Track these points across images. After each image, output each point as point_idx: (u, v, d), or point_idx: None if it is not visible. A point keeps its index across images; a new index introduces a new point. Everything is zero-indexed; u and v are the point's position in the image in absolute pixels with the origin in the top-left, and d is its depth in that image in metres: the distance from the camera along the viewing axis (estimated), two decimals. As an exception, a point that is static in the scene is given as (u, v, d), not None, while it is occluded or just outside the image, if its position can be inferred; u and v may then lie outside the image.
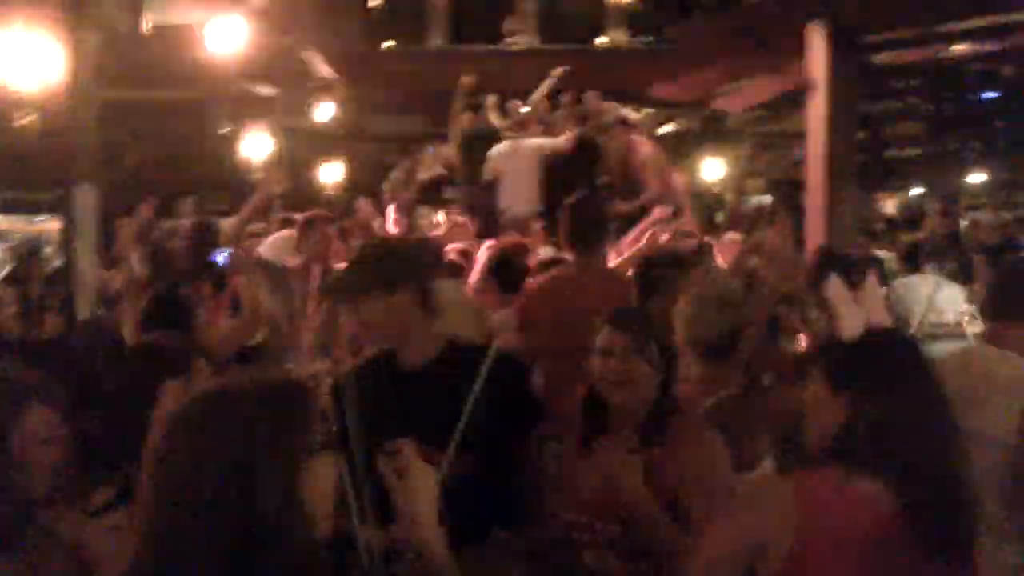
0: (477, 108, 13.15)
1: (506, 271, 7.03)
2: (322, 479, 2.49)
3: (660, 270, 6.10)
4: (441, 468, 3.67)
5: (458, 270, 7.81)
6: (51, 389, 3.35)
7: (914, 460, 3.00)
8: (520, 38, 16.38)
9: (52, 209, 8.03)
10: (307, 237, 8.27)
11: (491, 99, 13.03)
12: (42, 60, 8.16)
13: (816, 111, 9.72)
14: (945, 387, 3.19)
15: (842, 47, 9.57)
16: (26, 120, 8.30)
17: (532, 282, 6.71)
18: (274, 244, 9.06)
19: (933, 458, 3.02)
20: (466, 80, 12.92)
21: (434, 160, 13.55)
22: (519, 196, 11.12)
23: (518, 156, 11.37)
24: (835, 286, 3.95)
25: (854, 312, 3.29)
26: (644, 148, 10.99)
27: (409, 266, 4.21)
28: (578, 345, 5.08)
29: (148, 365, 3.79)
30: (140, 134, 16.57)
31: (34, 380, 3.38)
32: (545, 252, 8.38)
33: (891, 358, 3.20)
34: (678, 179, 10.22)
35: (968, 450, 3.12)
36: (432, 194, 12.91)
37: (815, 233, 9.84)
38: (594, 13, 16.60)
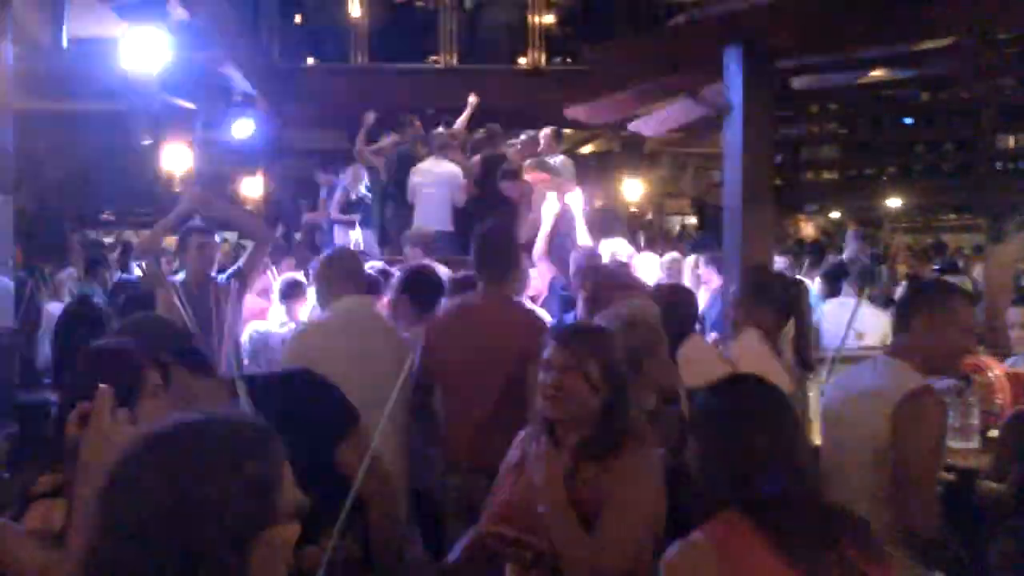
0: (400, 131, 13.33)
1: (419, 289, 7.08)
2: (277, 554, 2.14)
3: (606, 292, 6.22)
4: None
5: (376, 287, 7.85)
6: None
7: (770, 491, 3.03)
8: (440, 58, 16.48)
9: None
10: (185, 251, 8.11)
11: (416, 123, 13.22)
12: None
13: (733, 134, 9.80)
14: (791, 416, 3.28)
15: (758, 71, 9.64)
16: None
17: (441, 308, 6.77)
18: None
19: (790, 486, 3.05)
20: (369, 116, 13.11)
21: (354, 180, 13.61)
22: (432, 217, 11.38)
23: (434, 179, 11.60)
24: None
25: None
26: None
27: None
28: (479, 371, 5.19)
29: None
30: (60, 145, 16.42)
31: None
32: (445, 271, 8.55)
33: (733, 401, 3.28)
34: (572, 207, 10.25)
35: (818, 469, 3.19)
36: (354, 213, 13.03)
37: (732, 255, 9.92)
38: (514, 35, 16.66)
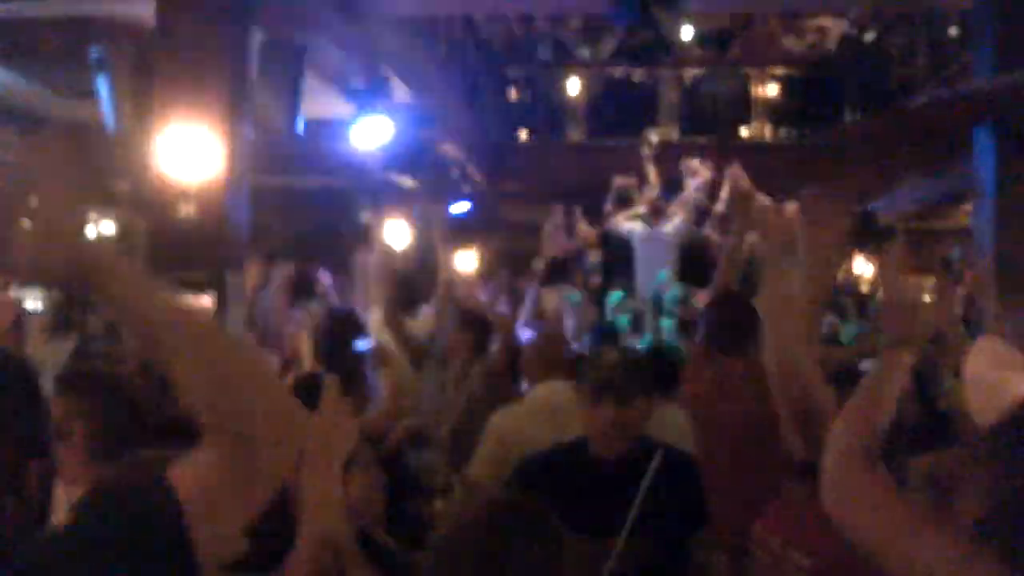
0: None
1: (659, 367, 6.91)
2: None
3: None
4: (612, 554, 3.87)
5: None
6: None
7: None
8: (660, 130, 16.31)
9: (206, 288, 8.22)
10: None
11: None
12: (201, 154, 8.33)
13: (984, 214, 9.53)
14: None
15: (1009, 148, 9.36)
16: (184, 210, 8.50)
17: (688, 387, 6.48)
18: None
19: None
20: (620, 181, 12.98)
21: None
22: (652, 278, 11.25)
23: (654, 241, 11.49)
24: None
25: None
26: None
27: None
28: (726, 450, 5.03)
29: None
30: (284, 220, 16.73)
31: None
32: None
33: None
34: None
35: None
36: (559, 273, 12.90)
37: (988, 336, 9.56)
38: (737, 106, 16.42)
